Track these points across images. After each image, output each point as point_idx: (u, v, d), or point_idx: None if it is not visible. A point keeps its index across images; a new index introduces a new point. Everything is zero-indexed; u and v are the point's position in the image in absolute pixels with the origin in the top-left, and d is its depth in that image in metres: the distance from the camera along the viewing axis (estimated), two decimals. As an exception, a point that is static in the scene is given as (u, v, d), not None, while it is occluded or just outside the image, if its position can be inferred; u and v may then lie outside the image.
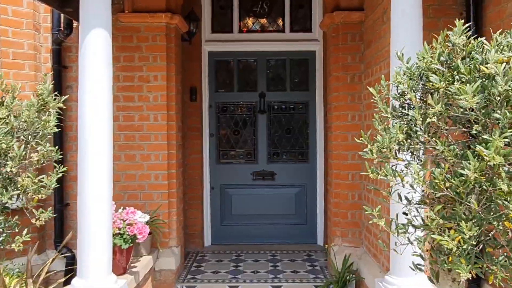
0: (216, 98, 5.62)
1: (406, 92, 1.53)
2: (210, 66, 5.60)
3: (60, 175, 2.21)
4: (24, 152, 1.99)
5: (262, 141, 5.63)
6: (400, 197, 1.54)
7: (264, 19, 5.63)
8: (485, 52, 1.36)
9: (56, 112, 2.24)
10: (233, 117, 5.66)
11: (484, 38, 1.44)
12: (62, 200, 4.28)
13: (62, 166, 2.25)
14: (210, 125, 5.61)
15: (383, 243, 2.13)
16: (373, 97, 1.67)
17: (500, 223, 1.31)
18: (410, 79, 1.53)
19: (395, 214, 1.60)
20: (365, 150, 1.60)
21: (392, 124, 1.57)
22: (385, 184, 2.90)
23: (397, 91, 1.59)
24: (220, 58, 5.64)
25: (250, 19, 5.66)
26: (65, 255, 4.21)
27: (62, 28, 4.19)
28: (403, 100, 1.58)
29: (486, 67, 1.31)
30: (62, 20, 4.18)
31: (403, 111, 1.57)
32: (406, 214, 1.55)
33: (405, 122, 1.54)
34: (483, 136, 1.28)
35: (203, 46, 5.52)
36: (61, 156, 2.33)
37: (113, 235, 3.15)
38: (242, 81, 5.68)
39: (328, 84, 4.61)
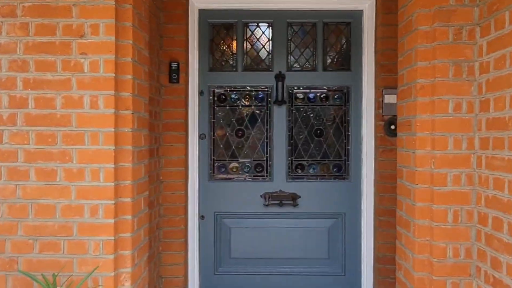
0: (210, 80, 3.70)
1: None
2: (202, 32, 3.68)
3: None
4: None
5: (279, 146, 3.70)
6: None
7: (285, -38, 3.72)
8: None
9: None
10: (236, 110, 3.74)
11: None
12: None
13: None
14: (200, 122, 3.69)
15: None
16: None
17: None
18: None
19: None
20: None
21: None
22: None
23: None
24: (217, 20, 3.71)
25: (263, -38, 3.75)
26: None
27: None
28: None
29: None
30: None
31: None
32: None
33: None
34: None
35: (192, 0, 3.60)
36: None
37: None
38: (251, 55, 3.76)
39: (404, 47, 2.67)
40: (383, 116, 3.47)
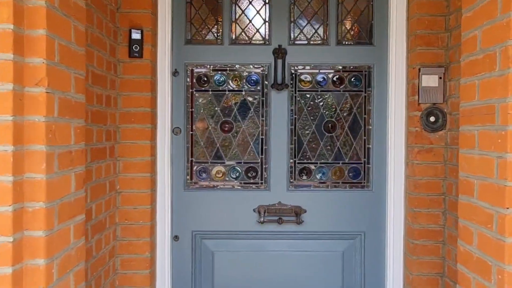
0: (187, 56, 2.78)
1: None
2: (176, -8, 2.76)
3: None
4: None
5: (278, 145, 2.79)
6: None
7: None
8: None
9: None
10: (222, 96, 2.82)
11: None
12: None
13: None
14: (174, 112, 2.77)
15: None
16: None
17: None
18: None
19: None
20: None
21: None
22: None
23: None
24: (196, -25, 2.79)
25: None
26: None
27: None
28: None
29: None
30: None
31: None
32: None
33: None
34: None
35: None
36: None
37: None
38: (241, 24, 2.84)
39: None
40: (419, 104, 2.58)
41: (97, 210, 2.24)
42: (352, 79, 2.82)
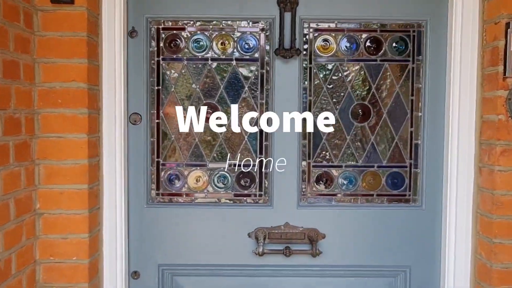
0: (150, 8, 1.86)
1: None
2: None
3: None
4: None
5: (284, 139, 1.89)
6: None
7: None
8: None
9: None
10: (202, 67, 1.91)
11: None
12: None
13: None
14: (130, 90, 1.87)
15: None
16: None
17: None
18: None
19: None
20: None
21: None
22: None
23: None
24: None
25: None
26: None
27: None
28: None
29: None
30: None
31: None
32: None
33: None
34: None
35: None
36: None
37: None
38: (230, -40, 1.92)
39: None
40: (504, 78, 1.67)
41: (6, 244, 1.36)
42: (395, 44, 1.91)
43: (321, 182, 1.94)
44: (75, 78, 1.62)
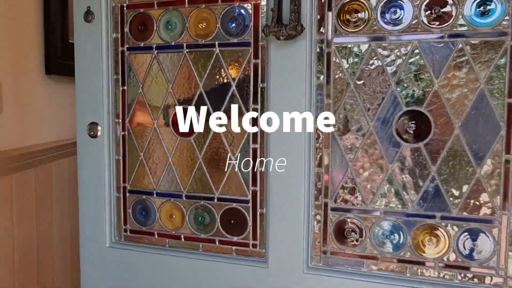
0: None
1: None
2: None
3: None
4: None
5: (287, 163, 1.23)
6: None
7: None
8: None
9: None
10: (177, 57, 1.35)
11: None
12: None
13: None
14: (85, 93, 1.41)
15: None
16: None
17: None
18: None
19: None
20: None
21: None
22: None
23: None
24: None
25: None
26: None
27: None
28: None
29: None
30: None
31: None
32: None
33: None
34: None
35: None
36: None
37: None
38: None
39: None
40: None
41: None
42: (478, 7, 1.09)
43: (347, 234, 1.23)
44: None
